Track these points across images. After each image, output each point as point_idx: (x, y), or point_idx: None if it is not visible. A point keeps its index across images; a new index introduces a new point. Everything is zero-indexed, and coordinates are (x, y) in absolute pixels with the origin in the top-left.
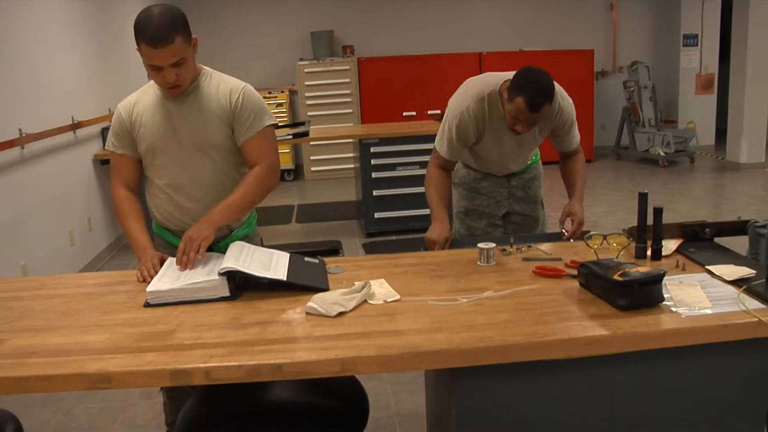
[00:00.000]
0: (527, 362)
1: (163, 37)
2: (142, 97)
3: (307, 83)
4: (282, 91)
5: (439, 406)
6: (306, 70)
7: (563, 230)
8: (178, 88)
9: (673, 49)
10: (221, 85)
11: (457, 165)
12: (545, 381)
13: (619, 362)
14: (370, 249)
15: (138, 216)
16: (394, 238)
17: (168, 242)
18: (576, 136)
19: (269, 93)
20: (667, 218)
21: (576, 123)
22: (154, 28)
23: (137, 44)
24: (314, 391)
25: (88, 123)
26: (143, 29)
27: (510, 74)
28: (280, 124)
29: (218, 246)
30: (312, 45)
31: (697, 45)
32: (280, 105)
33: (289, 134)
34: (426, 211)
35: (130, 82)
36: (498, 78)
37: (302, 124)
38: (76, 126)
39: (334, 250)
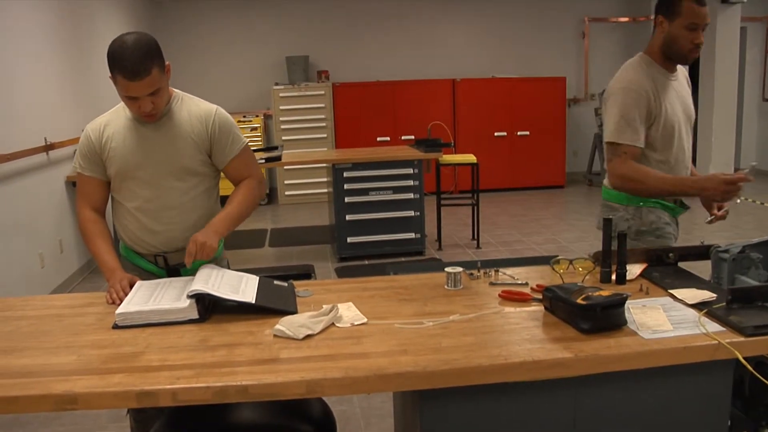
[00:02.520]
0: (492, 384)
1: (140, 69)
2: (113, 119)
3: (281, 107)
4: (257, 116)
5: (406, 429)
6: (281, 94)
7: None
8: (154, 116)
9: None
10: (193, 108)
11: (642, 211)
12: (510, 403)
13: (582, 385)
14: (342, 273)
15: (105, 238)
16: (366, 262)
17: (136, 265)
18: None
19: (244, 117)
20: (635, 243)
21: None
22: (130, 61)
23: (111, 73)
24: (282, 413)
25: (62, 144)
26: (118, 61)
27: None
28: (253, 148)
29: (186, 270)
30: (287, 69)
31: None
32: (254, 129)
33: (261, 158)
34: (398, 236)
35: (104, 102)
36: (634, 57)
37: (275, 148)
38: (48, 147)
39: (306, 274)
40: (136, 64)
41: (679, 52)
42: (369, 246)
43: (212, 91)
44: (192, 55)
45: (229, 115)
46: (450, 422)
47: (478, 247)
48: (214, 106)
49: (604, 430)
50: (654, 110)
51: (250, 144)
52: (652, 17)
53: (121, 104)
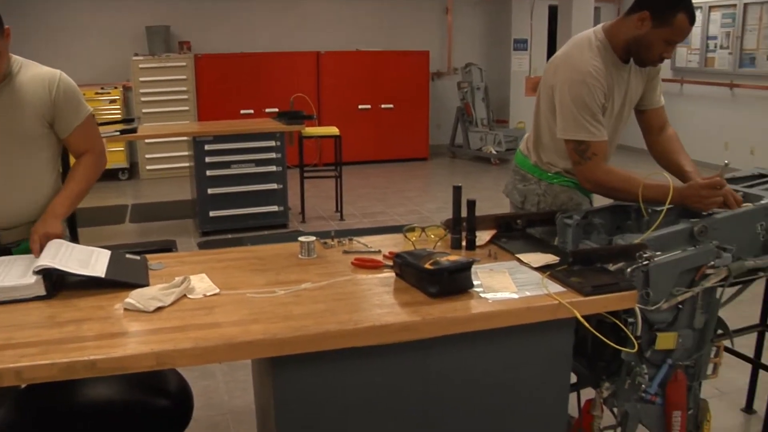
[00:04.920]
0: (343, 350)
1: None
2: None
3: (141, 79)
4: (115, 87)
5: (262, 397)
6: (141, 65)
7: None
8: None
9: (504, 52)
10: (34, 74)
11: (556, 189)
12: (361, 367)
13: (430, 347)
14: (205, 248)
15: None
16: (230, 236)
17: None
18: (661, 92)
19: (102, 89)
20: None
21: None
22: None
23: None
24: (137, 388)
25: None
26: None
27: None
28: (108, 120)
29: (17, 250)
30: (147, 40)
31: (526, 49)
32: (113, 101)
33: (116, 131)
34: (261, 209)
35: None
36: (587, 31)
37: (131, 120)
38: None
39: (167, 249)
40: None
41: (643, 57)
42: (232, 220)
43: (66, 61)
44: (45, 23)
45: (72, 81)
46: (302, 388)
47: (341, 219)
48: (58, 71)
49: (453, 390)
50: (606, 101)
51: (108, 117)
52: None
53: None
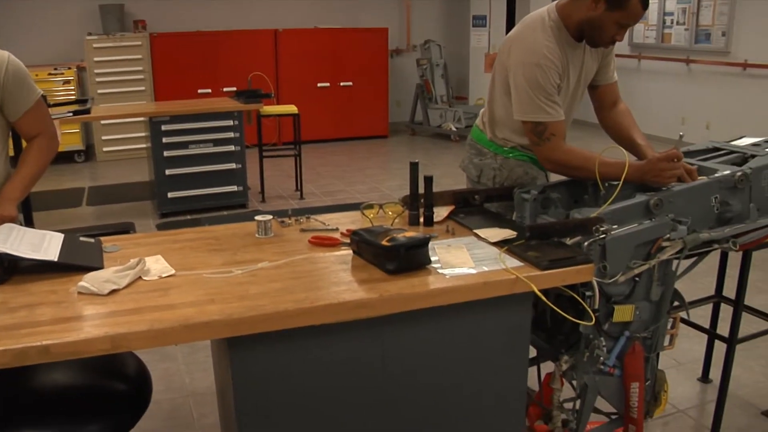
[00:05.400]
0: (301, 328)
1: None
2: None
3: (96, 59)
4: (69, 68)
5: (222, 378)
6: (95, 45)
7: None
8: None
9: (463, 29)
10: None
11: (511, 163)
12: (319, 346)
13: (388, 324)
14: (163, 229)
15: None
16: (189, 217)
17: None
18: (615, 68)
19: (55, 69)
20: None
21: None
22: None
23: None
24: (93, 373)
25: None
26: None
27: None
28: (61, 101)
29: None
30: (101, 19)
31: (485, 26)
32: (67, 82)
33: (69, 112)
34: (220, 189)
35: None
36: (540, 10)
37: (85, 101)
38: None
39: (125, 231)
40: None
41: (595, 38)
42: (191, 201)
43: (16, 41)
44: None
45: (21, 62)
46: (260, 368)
47: (301, 197)
48: (6, 53)
49: (412, 367)
50: (561, 81)
51: (62, 98)
52: None
53: None
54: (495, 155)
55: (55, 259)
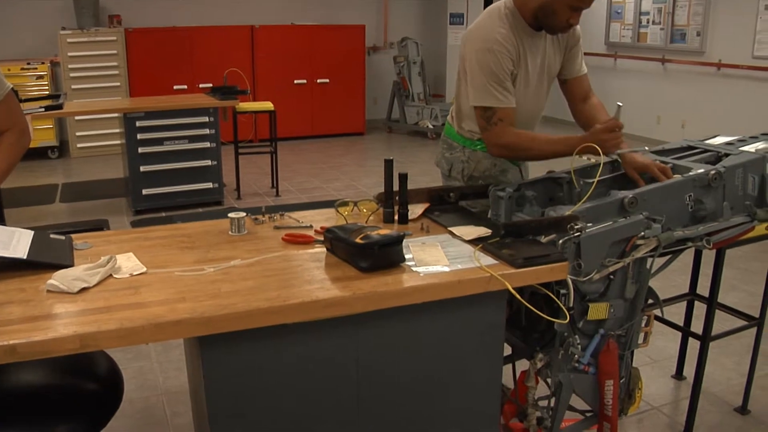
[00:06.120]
0: (273, 327)
1: None
2: None
3: (70, 54)
4: (42, 63)
5: (194, 377)
6: (69, 40)
7: None
8: None
9: (441, 26)
10: None
11: (470, 154)
12: (292, 344)
13: (361, 322)
14: (138, 226)
15: None
16: (164, 214)
17: None
18: (583, 61)
19: (28, 64)
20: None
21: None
22: None
23: None
24: (64, 373)
25: None
26: None
27: None
28: (32, 96)
29: None
30: (75, 13)
31: (463, 23)
32: (40, 78)
33: (41, 107)
34: (195, 186)
35: None
36: (499, 1)
37: (57, 96)
38: None
39: (99, 228)
40: None
41: (551, 24)
42: (166, 198)
43: None
44: None
45: None
46: (232, 367)
47: (277, 195)
48: None
49: (385, 365)
50: (515, 69)
51: (35, 93)
52: None
53: None
54: (463, 148)
55: (24, 257)
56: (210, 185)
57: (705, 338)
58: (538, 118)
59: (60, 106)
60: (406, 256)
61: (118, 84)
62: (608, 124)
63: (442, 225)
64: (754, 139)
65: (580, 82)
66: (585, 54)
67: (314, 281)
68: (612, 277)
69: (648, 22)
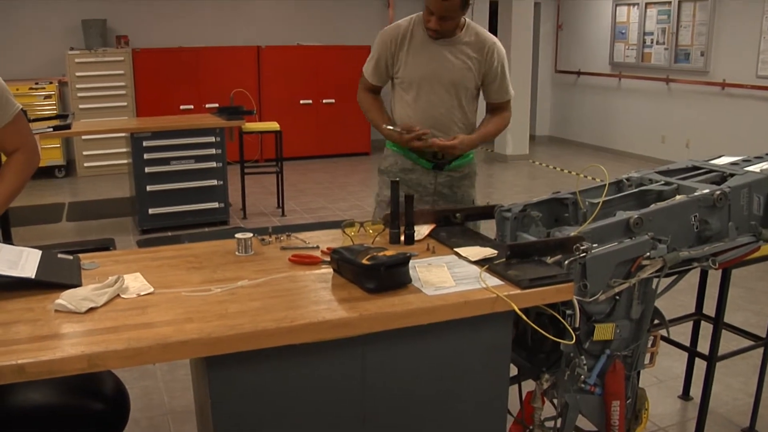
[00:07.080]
0: (280, 347)
1: None
2: None
3: (78, 74)
4: (50, 82)
5: (200, 397)
6: (77, 60)
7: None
8: None
9: None
10: None
11: (386, 151)
12: (299, 365)
13: (368, 343)
14: (144, 246)
15: None
16: (170, 234)
17: None
18: (508, 90)
19: (36, 84)
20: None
21: (508, 78)
22: None
23: None
24: (70, 392)
25: None
26: None
27: None
28: (41, 116)
29: None
30: (83, 34)
31: None
32: (48, 97)
33: (49, 127)
34: (201, 206)
35: None
36: None
37: (65, 116)
38: None
39: (105, 248)
40: None
41: (425, 27)
42: (172, 217)
43: None
44: None
45: None
46: (239, 387)
47: (283, 214)
48: None
49: (392, 386)
50: (391, 58)
51: (43, 113)
52: None
53: None
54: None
55: (33, 277)
56: (216, 205)
57: (712, 358)
58: (449, 126)
59: (68, 126)
60: (413, 277)
61: (125, 104)
62: (405, 127)
63: (448, 246)
64: (759, 159)
65: (498, 105)
66: (590, 74)
67: (321, 302)
68: (618, 297)
69: (652, 42)
